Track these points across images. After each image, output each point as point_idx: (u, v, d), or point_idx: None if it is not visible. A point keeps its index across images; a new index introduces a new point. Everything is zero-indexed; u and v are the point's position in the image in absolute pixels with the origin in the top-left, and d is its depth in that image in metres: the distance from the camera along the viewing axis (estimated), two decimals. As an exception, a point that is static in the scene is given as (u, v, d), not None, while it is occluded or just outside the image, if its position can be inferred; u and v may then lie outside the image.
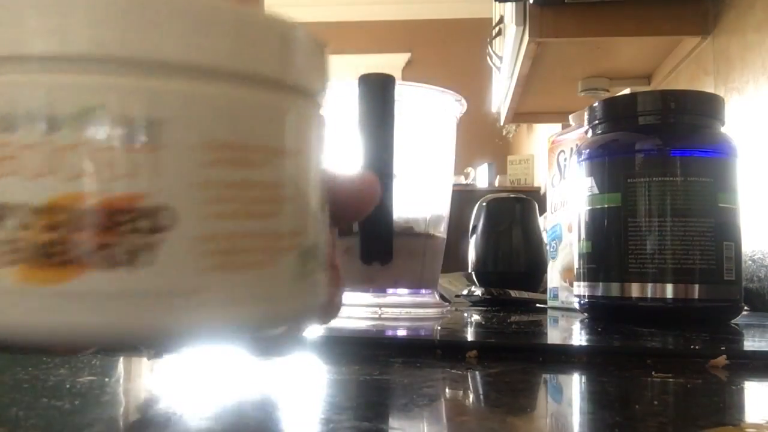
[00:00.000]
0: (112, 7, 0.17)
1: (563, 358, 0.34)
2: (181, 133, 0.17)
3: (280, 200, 0.19)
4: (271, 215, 0.19)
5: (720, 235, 0.52)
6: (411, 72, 4.25)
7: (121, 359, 0.32)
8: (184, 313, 0.18)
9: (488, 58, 1.69)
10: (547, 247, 0.81)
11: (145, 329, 0.17)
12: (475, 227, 1.01)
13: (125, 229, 0.17)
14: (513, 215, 0.99)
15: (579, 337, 0.46)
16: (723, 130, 0.57)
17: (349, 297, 0.54)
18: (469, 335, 0.47)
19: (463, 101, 0.58)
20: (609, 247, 0.55)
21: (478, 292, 0.84)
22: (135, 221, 0.17)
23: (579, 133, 0.75)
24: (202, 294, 0.18)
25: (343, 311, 0.54)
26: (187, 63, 0.18)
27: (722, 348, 0.34)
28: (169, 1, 0.17)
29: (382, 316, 0.52)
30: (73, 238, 0.16)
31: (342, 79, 0.54)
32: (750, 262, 0.79)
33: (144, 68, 0.17)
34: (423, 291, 0.56)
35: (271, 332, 0.22)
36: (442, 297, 0.63)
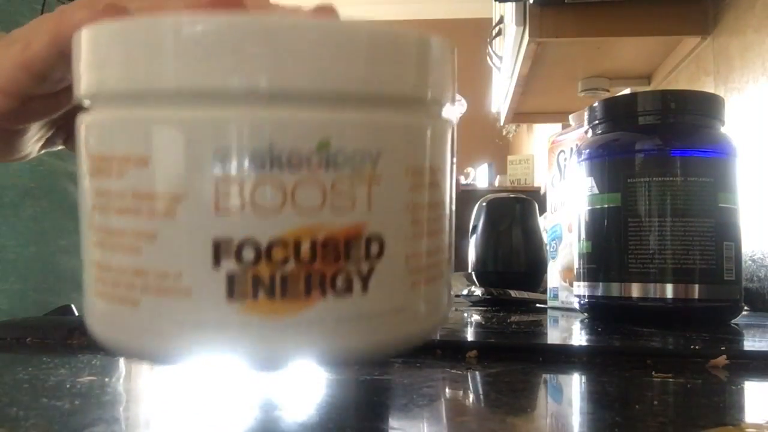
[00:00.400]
0: (331, 43, 0.18)
1: (563, 358, 0.34)
2: (393, 162, 0.19)
3: (446, 216, 0.22)
4: (444, 231, 0.22)
5: (720, 235, 0.52)
6: (411, 72, 4.25)
7: (122, 359, 0.32)
8: (402, 327, 0.19)
9: (488, 58, 1.69)
10: (547, 247, 0.81)
11: (371, 347, 0.19)
12: (475, 227, 1.01)
13: (355, 256, 0.18)
14: (513, 215, 0.99)
15: (579, 337, 0.46)
16: (723, 130, 0.57)
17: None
18: (469, 335, 0.47)
19: (463, 101, 0.58)
20: (609, 247, 0.55)
21: (478, 292, 0.84)
22: (362, 248, 0.18)
23: (579, 133, 0.75)
24: (413, 308, 0.20)
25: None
26: (397, 94, 0.20)
27: (722, 348, 0.34)
28: (373, 36, 0.19)
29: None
30: (311, 269, 0.18)
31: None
32: (750, 262, 0.79)
33: (361, 101, 0.18)
34: (423, 291, 0.56)
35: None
36: (442, 297, 0.62)
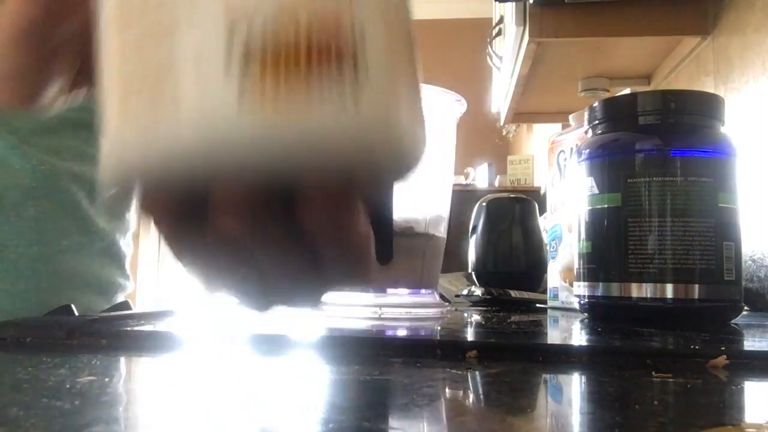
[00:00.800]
0: None
1: (563, 358, 0.34)
2: None
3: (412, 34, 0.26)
4: (413, 42, 0.26)
5: (720, 235, 0.52)
6: (411, 72, 4.24)
7: (122, 359, 0.32)
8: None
9: (488, 58, 1.69)
10: (547, 247, 0.81)
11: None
12: (475, 227, 1.01)
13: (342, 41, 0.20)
14: (513, 215, 0.99)
15: (579, 337, 0.46)
16: (723, 130, 0.57)
17: (349, 297, 0.54)
18: (469, 335, 0.47)
19: (463, 101, 0.58)
20: (609, 247, 0.55)
21: (478, 292, 0.84)
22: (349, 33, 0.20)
23: (579, 133, 0.75)
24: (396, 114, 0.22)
25: (343, 311, 0.55)
26: None
27: (722, 348, 0.34)
28: None
29: (382, 316, 0.52)
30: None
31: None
32: (750, 262, 0.79)
33: None
34: (423, 291, 0.56)
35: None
36: (442, 297, 0.63)
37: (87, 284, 0.65)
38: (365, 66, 0.20)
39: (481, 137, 3.40)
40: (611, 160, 0.56)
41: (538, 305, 0.81)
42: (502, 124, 1.95)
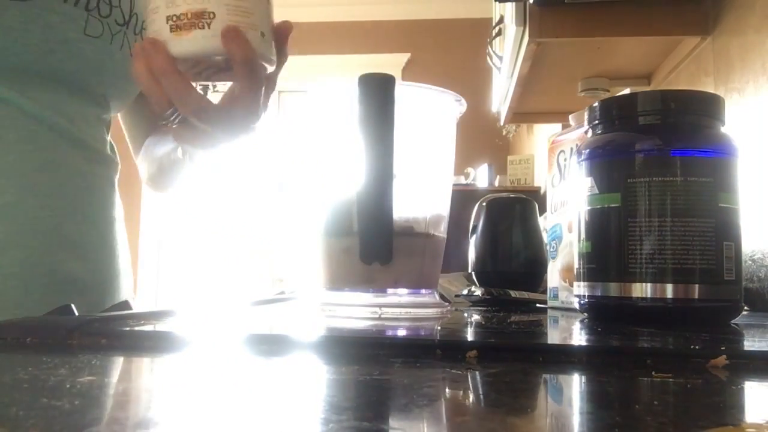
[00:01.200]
0: None
1: (563, 358, 0.34)
2: None
3: None
4: None
5: (720, 235, 0.52)
6: (411, 72, 4.25)
7: (122, 359, 0.32)
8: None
9: (488, 58, 1.68)
10: (547, 247, 0.81)
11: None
12: (475, 227, 1.01)
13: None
14: (513, 215, 0.99)
15: (579, 337, 0.46)
16: (723, 130, 0.57)
17: (349, 297, 0.54)
18: (469, 335, 0.47)
19: (463, 101, 0.58)
20: (609, 247, 0.55)
21: (478, 292, 0.84)
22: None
23: (579, 133, 0.75)
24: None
25: (343, 311, 0.55)
26: None
27: (722, 348, 0.34)
28: None
29: (382, 316, 0.52)
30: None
31: (342, 79, 0.54)
32: (750, 262, 0.79)
33: None
34: (423, 291, 0.56)
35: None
36: (442, 297, 0.63)
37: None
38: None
39: (481, 137, 3.40)
40: (611, 160, 0.56)
41: (538, 305, 0.81)
42: (502, 124, 1.95)
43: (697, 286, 0.52)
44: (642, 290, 0.53)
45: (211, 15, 0.51)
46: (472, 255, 1.01)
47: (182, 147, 0.69)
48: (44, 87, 0.64)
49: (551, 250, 0.78)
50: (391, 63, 4.19)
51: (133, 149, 0.84)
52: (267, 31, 0.54)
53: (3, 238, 0.61)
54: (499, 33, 1.56)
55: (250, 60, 0.51)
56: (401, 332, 0.44)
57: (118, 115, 0.81)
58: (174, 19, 0.51)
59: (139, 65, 0.52)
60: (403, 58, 4.32)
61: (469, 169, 3.56)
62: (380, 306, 0.53)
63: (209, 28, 0.51)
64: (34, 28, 0.61)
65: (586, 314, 0.59)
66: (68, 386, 0.24)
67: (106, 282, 0.70)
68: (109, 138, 0.76)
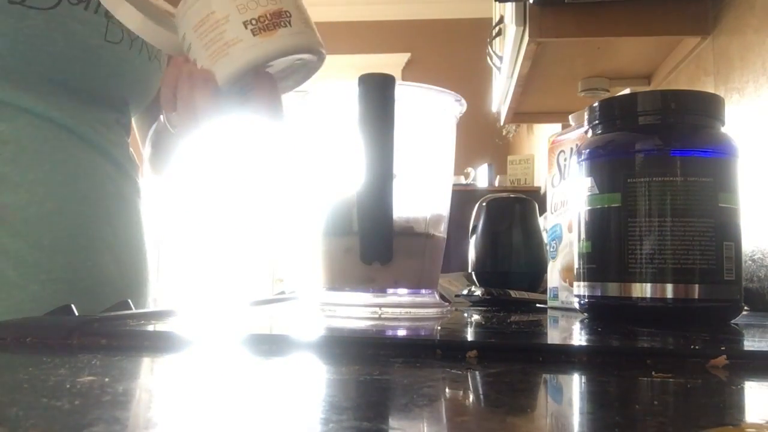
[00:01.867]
0: None
1: (563, 358, 0.34)
2: None
3: None
4: None
5: (720, 235, 0.52)
6: (411, 72, 4.25)
7: (122, 359, 0.32)
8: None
9: (488, 58, 1.68)
10: (547, 247, 0.81)
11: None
12: (475, 227, 1.01)
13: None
14: (513, 215, 0.99)
15: (579, 337, 0.46)
16: (723, 130, 0.57)
17: (349, 297, 0.54)
18: (469, 335, 0.47)
19: (463, 101, 0.58)
20: (609, 247, 0.55)
21: (478, 292, 0.84)
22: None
23: (579, 133, 0.75)
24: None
25: (343, 311, 0.55)
26: None
27: (722, 348, 0.34)
28: None
29: (382, 316, 0.52)
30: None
31: (342, 79, 0.55)
32: (750, 262, 0.79)
33: None
34: (423, 291, 0.56)
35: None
36: (442, 297, 0.63)
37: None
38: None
39: (481, 137, 3.40)
40: (611, 160, 0.56)
41: (538, 305, 0.81)
42: (502, 124, 1.95)
43: (697, 286, 0.52)
44: (642, 290, 0.53)
45: (288, 13, 0.52)
46: (472, 255, 1.01)
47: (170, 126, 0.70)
48: (68, 95, 0.65)
49: (551, 250, 0.78)
50: (391, 63, 4.19)
51: (140, 139, 0.85)
52: None
53: (49, 244, 0.63)
54: (499, 33, 1.56)
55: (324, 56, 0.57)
56: (401, 332, 0.44)
57: None
58: (253, 22, 0.51)
59: (178, 86, 0.55)
60: (403, 58, 4.32)
61: (469, 169, 3.56)
62: (380, 306, 0.53)
63: (291, 25, 0.52)
64: (57, 36, 0.62)
65: (586, 314, 0.59)
66: (68, 386, 0.24)
67: (137, 282, 0.72)
68: (129, 141, 0.77)
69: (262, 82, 0.56)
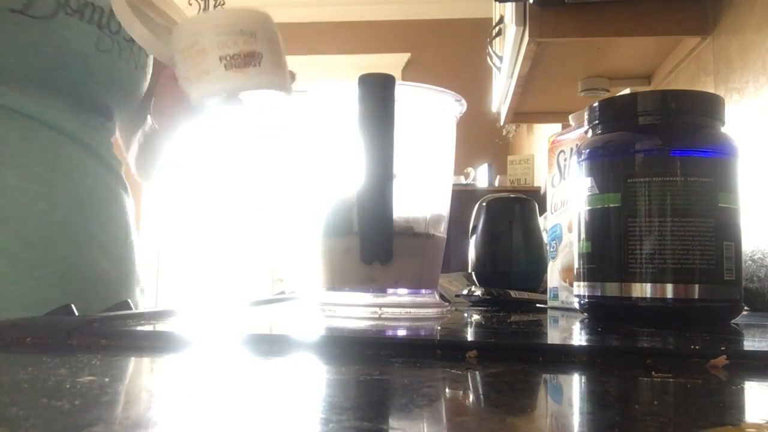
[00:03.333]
0: None
1: (563, 358, 0.34)
2: None
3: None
4: None
5: (720, 235, 0.52)
6: (411, 72, 4.25)
7: (122, 359, 0.32)
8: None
9: (488, 58, 1.68)
10: (547, 247, 0.81)
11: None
12: (475, 227, 1.01)
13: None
14: (513, 215, 0.99)
15: (579, 337, 0.46)
16: (723, 130, 0.57)
17: (349, 297, 0.54)
18: (469, 335, 0.47)
19: (463, 101, 0.58)
20: (609, 247, 0.55)
21: (478, 292, 0.84)
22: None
23: (579, 133, 0.75)
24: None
25: (343, 311, 0.55)
26: None
27: (722, 348, 0.34)
28: None
29: (382, 316, 0.52)
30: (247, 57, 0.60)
31: (342, 79, 0.55)
32: (750, 262, 0.79)
33: None
34: (423, 291, 0.56)
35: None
36: (442, 297, 0.63)
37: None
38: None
39: (481, 137, 3.40)
40: (611, 160, 0.56)
41: (538, 305, 0.81)
42: (502, 124, 1.95)
43: (697, 286, 0.52)
44: (642, 290, 0.53)
45: (260, 55, 0.60)
46: (472, 255, 1.01)
47: (156, 120, 0.76)
48: (60, 99, 0.69)
49: (551, 250, 0.78)
50: (391, 63, 4.19)
51: (123, 143, 0.88)
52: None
53: (42, 242, 0.66)
54: (499, 33, 1.56)
55: (289, 91, 0.64)
56: (401, 332, 0.44)
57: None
58: (227, 58, 0.59)
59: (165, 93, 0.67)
60: (403, 58, 4.32)
61: (469, 169, 3.56)
62: (380, 306, 0.53)
63: (260, 65, 0.60)
64: (53, 44, 0.66)
65: (586, 314, 0.59)
66: (68, 386, 0.24)
67: (125, 275, 0.76)
68: (114, 142, 0.81)
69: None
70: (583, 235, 0.58)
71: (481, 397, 0.27)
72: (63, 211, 0.68)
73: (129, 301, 0.55)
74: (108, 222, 0.74)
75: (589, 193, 0.57)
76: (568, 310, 0.72)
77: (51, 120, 0.68)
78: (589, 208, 0.57)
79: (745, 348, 0.40)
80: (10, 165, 0.65)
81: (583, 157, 0.58)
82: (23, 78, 0.66)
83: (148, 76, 0.80)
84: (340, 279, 0.55)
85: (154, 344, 0.36)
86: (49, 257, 0.66)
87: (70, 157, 0.69)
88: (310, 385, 0.28)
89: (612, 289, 0.54)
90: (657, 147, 0.54)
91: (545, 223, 0.86)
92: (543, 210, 0.91)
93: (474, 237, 1.00)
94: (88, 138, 0.72)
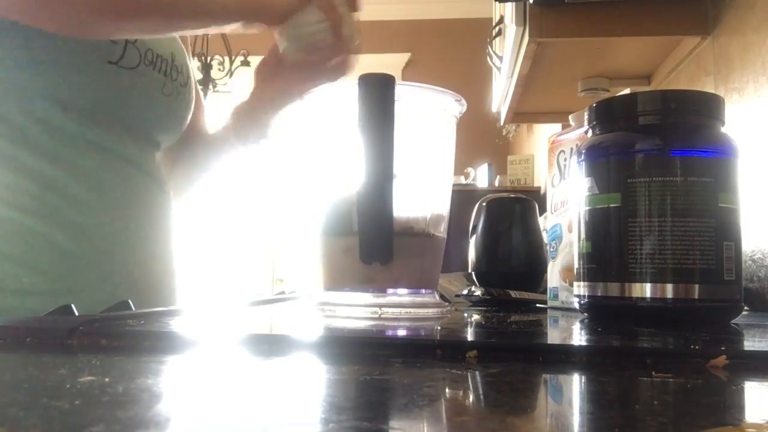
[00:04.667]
0: None
1: (563, 358, 0.34)
2: None
3: None
4: None
5: (720, 235, 0.52)
6: (411, 72, 4.25)
7: (122, 359, 0.32)
8: None
9: (488, 58, 1.68)
10: (547, 247, 0.81)
11: None
12: (475, 227, 1.01)
13: None
14: (513, 215, 0.99)
15: (579, 337, 0.46)
16: (723, 130, 0.57)
17: (349, 297, 0.54)
18: (469, 335, 0.47)
19: (463, 101, 0.58)
20: (609, 247, 0.55)
21: (478, 292, 0.84)
22: None
23: (579, 133, 0.75)
24: None
25: (343, 311, 0.55)
26: None
27: (722, 348, 0.34)
28: None
29: (382, 316, 0.52)
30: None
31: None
32: (750, 262, 0.79)
33: None
34: (423, 291, 0.56)
35: None
36: (442, 297, 0.63)
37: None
38: None
39: (481, 137, 3.40)
40: (611, 160, 0.56)
41: (538, 305, 0.81)
42: (502, 124, 1.95)
43: (697, 286, 0.52)
44: (642, 290, 0.53)
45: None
46: (472, 255, 1.01)
47: (239, 131, 0.93)
48: (132, 134, 0.81)
49: (551, 250, 0.78)
50: (391, 63, 4.19)
51: (164, 166, 1.00)
52: None
53: (118, 255, 0.77)
54: (499, 33, 1.56)
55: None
56: (401, 332, 0.44)
57: None
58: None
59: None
60: (403, 58, 4.32)
61: (469, 169, 3.56)
62: (380, 306, 0.53)
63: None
64: (135, 90, 0.79)
65: (586, 314, 0.59)
66: (68, 386, 0.24)
67: (174, 284, 0.88)
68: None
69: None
70: (583, 235, 0.58)
71: (481, 397, 0.27)
72: (133, 230, 0.79)
73: (129, 301, 0.55)
74: (168, 239, 0.87)
75: (589, 193, 0.57)
76: (568, 310, 0.72)
77: (125, 153, 0.79)
78: (589, 208, 0.57)
79: (745, 348, 0.40)
80: (98, 192, 0.76)
81: (583, 157, 0.58)
82: (110, 118, 0.77)
83: (192, 110, 0.95)
84: (340, 279, 0.55)
85: (155, 344, 0.36)
86: (122, 268, 0.77)
87: (139, 184, 0.81)
88: (310, 385, 0.28)
89: (612, 289, 0.54)
90: (657, 147, 0.54)
91: (545, 223, 0.86)
92: (543, 210, 0.91)
93: (474, 237, 1.00)
94: (150, 166, 0.84)
